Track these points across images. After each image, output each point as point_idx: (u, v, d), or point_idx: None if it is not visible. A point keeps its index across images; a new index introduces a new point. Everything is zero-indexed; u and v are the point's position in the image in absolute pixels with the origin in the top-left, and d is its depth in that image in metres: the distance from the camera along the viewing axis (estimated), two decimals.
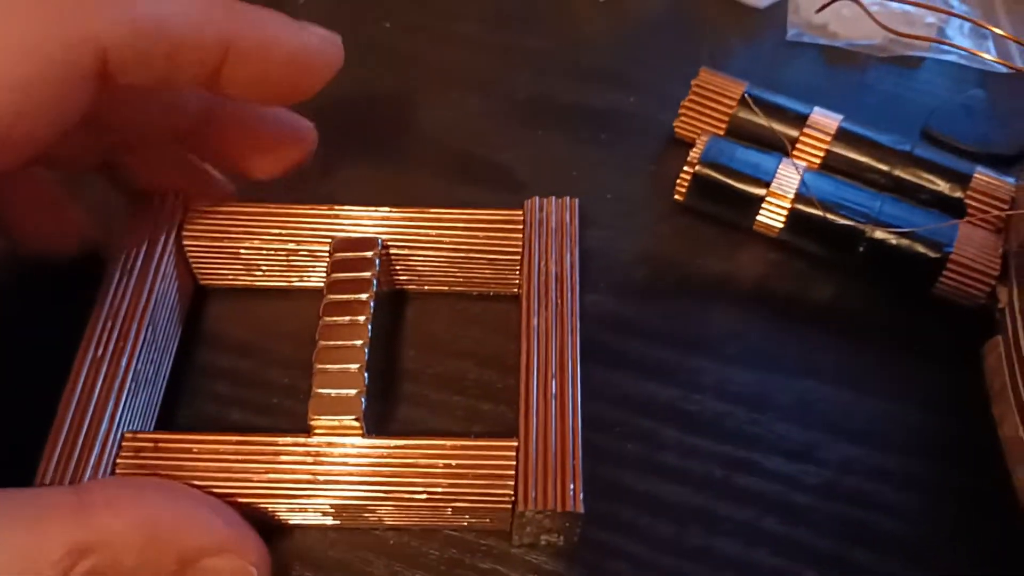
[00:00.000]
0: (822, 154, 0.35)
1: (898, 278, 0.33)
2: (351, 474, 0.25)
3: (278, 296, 0.32)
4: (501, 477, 0.25)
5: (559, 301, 0.29)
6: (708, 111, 0.36)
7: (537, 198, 0.31)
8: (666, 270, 0.34)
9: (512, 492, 0.25)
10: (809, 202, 0.33)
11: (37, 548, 0.20)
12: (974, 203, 0.33)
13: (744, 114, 0.36)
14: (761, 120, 0.35)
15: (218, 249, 0.30)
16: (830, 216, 0.33)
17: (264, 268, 0.31)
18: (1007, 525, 0.28)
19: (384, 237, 0.30)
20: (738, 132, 0.36)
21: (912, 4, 0.37)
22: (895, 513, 0.28)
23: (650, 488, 0.28)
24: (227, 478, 0.25)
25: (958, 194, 0.34)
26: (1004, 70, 0.39)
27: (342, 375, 0.26)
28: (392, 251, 0.30)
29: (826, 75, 0.40)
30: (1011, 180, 0.34)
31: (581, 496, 0.25)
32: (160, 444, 0.26)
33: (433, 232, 0.30)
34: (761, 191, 0.33)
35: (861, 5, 0.33)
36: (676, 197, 0.35)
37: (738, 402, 0.31)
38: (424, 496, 0.25)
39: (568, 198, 0.31)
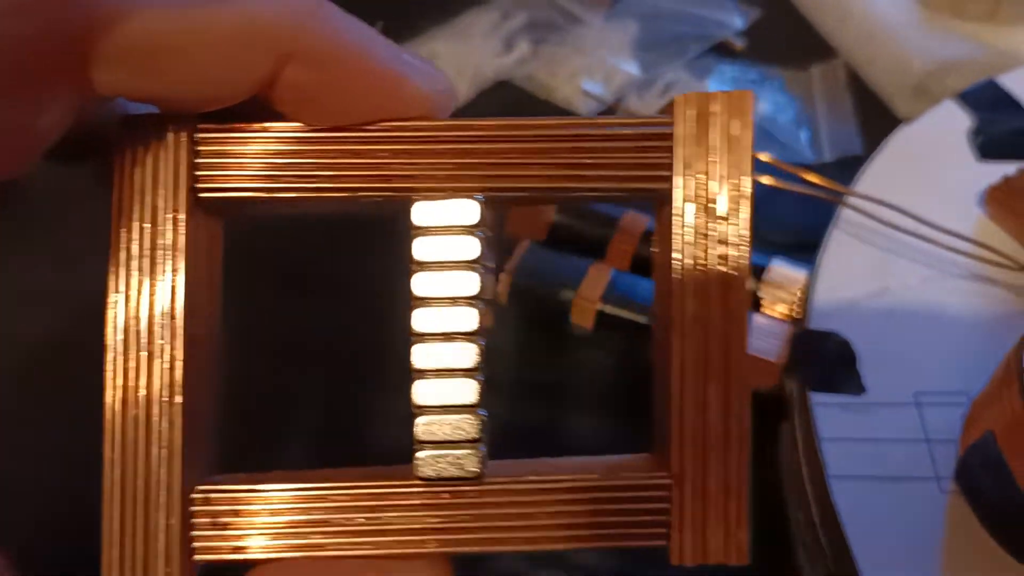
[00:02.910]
0: (631, 255, 0.38)
1: None
2: (469, 522, 0.20)
3: None
4: (652, 524, 0.19)
5: (724, 274, 0.19)
6: (533, 216, 0.39)
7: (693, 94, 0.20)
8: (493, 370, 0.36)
9: (663, 541, 0.20)
10: (615, 302, 0.36)
11: None
12: (767, 295, 0.36)
13: (561, 220, 0.39)
14: (576, 224, 0.38)
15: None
16: (635, 316, 0.35)
17: None
18: None
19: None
20: (558, 234, 0.39)
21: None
22: None
23: None
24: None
25: (755, 286, 0.36)
26: (812, 160, 0.43)
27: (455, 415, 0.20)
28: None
29: None
30: (805, 270, 0.36)
31: (748, 546, 0.19)
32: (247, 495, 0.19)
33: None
34: (570, 292, 0.36)
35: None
36: (500, 301, 0.38)
37: None
38: (562, 547, 0.20)
39: (738, 91, 0.20)
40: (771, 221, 0.40)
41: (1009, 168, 0.36)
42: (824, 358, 0.32)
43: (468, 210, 0.19)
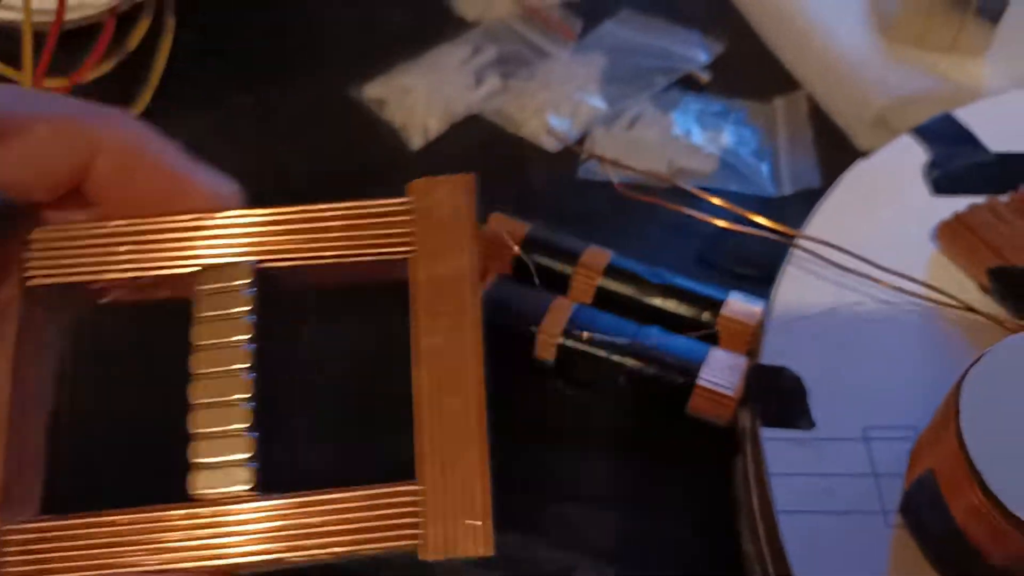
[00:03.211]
0: (593, 289, 0.38)
1: (659, 401, 0.36)
2: (247, 542, 0.22)
3: None
4: (403, 527, 0.22)
5: (455, 310, 0.24)
6: (497, 253, 0.40)
7: (426, 179, 0.26)
8: None
9: (416, 540, 0.22)
10: (577, 337, 0.36)
11: None
12: (724, 329, 0.37)
13: (526, 253, 0.39)
14: (540, 261, 0.39)
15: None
16: (594, 350, 0.36)
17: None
18: None
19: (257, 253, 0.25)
20: (523, 270, 0.39)
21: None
22: None
23: None
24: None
25: (711, 321, 0.37)
26: (773, 194, 0.43)
27: (225, 439, 0.23)
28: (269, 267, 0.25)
29: (614, 209, 0.43)
30: (761, 303, 0.37)
31: (492, 537, 0.22)
32: (52, 534, 0.22)
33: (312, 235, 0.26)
34: (533, 327, 0.37)
35: (603, 160, 0.37)
36: None
37: (507, 530, 0.33)
38: (328, 555, 0.23)
39: (461, 175, 0.26)
40: (736, 255, 0.41)
41: (961, 203, 0.37)
42: (776, 393, 0.33)
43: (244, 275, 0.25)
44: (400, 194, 0.27)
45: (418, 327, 0.24)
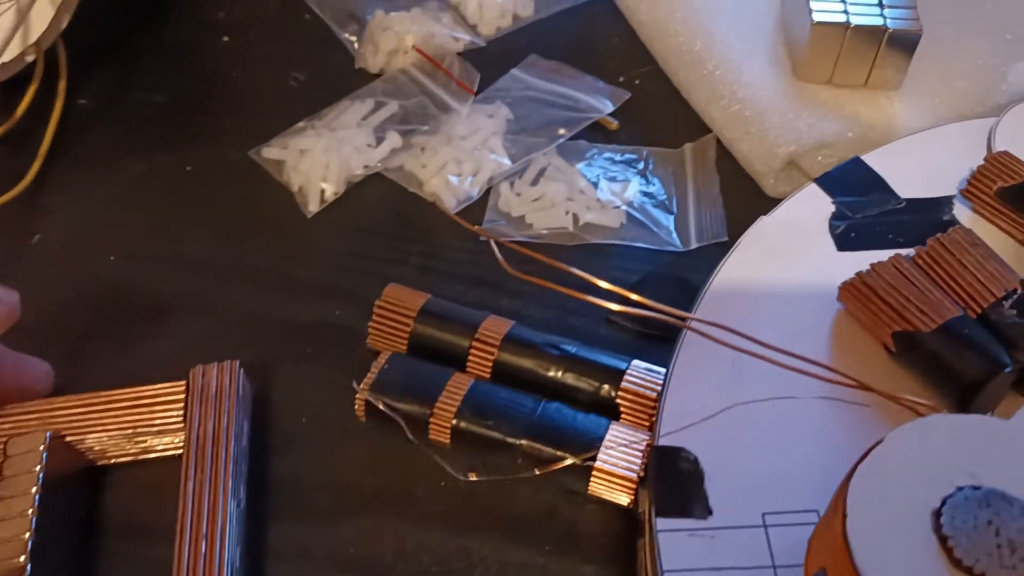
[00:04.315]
0: (491, 363, 0.37)
1: (559, 483, 0.34)
2: None
3: None
4: None
5: (214, 461, 0.33)
6: (393, 326, 0.38)
7: (201, 366, 0.36)
8: (349, 493, 0.35)
9: None
10: (472, 417, 0.35)
11: None
12: (626, 402, 0.35)
13: (422, 328, 0.38)
14: (436, 334, 0.37)
15: None
16: (489, 432, 0.35)
17: None
18: None
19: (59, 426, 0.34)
20: (419, 345, 0.38)
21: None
22: None
23: None
24: None
25: (612, 393, 0.35)
26: (680, 248, 0.42)
27: None
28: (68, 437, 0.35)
29: (522, 269, 0.42)
30: (662, 372, 0.36)
31: None
32: None
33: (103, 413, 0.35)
34: (427, 410, 0.35)
35: (499, 242, 0.35)
36: (357, 414, 0.36)
37: None
38: None
39: (229, 362, 0.36)
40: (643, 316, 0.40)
41: (864, 261, 0.35)
42: (673, 477, 0.31)
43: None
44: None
45: (185, 474, 0.33)
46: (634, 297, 0.31)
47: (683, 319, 0.32)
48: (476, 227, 0.37)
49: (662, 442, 0.32)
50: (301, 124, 0.47)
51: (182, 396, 0.35)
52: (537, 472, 0.34)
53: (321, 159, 0.44)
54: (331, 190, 0.44)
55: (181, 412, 0.35)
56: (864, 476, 0.26)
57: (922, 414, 0.30)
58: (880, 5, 0.44)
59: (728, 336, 0.31)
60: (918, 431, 0.27)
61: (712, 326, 0.31)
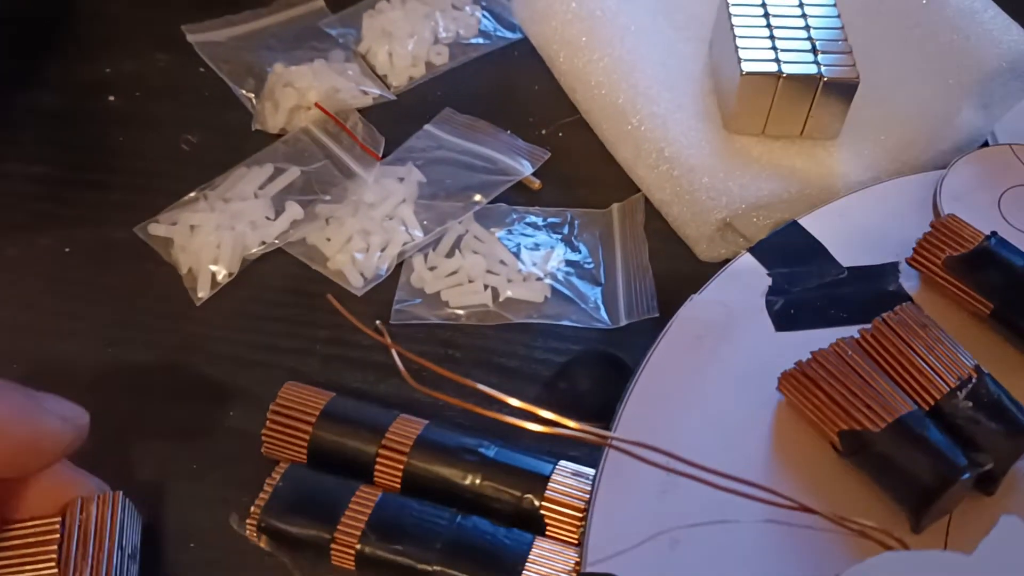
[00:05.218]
0: (400, 471, 0.33)
1: None
2: None
3: None
4: None
5: None
6: (291, 432, 0.34)
7: (80, 497, 0.30)
8: None
9: None
10: (378, 541, 0.31)
11: None
12: (551, 514, 0.32)
13: (323, 433, 0.34)
14: (339, 440, 0.33)
15: None
16: (397, 557, 0.31)
17: None
18: None
19: None
20: (321, 453, 0.34)
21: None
22: None
23: None
24: None
25: (536, 503, 0.32)
26: (609, 325, 0.38)
27: None
28: None
29: (436, 357, 0.38)
30: (591, 475, 0.32)
31: None
32: None
33: None
34: (327, 533, 0.31)
35: (399, 351, 0.31)
36: (250, 538, 0.32)
37: None
38: None
39: (111, 492, 0.31)
40: (572, 401, 0.37)
41: (805, 341, 0.32)
42: None
43: None
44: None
45: None
46: (548, 416, 0.27)
47: (605, 437, 0.29)
48: (376, 324, 0.33)
49: (589, 569, 0.29)
50: (193, 195, 0.42)
51: (56, 536, 0.29)
52: None
53: (212, 237, 0.40)
54: (224, 272, 0.40)
55: (54, 556, 0.29)
56: None
57: (871, 537, 0.27)
58: (814, 51, 0.41)
59: (657, 455, 0.28)
60: (873, 572, 0.23)
61: (637, 446, 0.28)
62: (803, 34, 0.42)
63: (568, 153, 0.45)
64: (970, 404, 0.30)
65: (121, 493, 0.31)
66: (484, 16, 0.52)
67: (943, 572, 0.23)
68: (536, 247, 0.41)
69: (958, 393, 0.30)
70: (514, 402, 0.29)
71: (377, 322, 0.33)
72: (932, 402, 0.30)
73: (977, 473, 0.29)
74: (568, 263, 0.40)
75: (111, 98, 0.48)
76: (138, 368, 0.38)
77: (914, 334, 0.31)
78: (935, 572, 0.23)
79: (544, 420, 0.28)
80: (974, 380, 0.30)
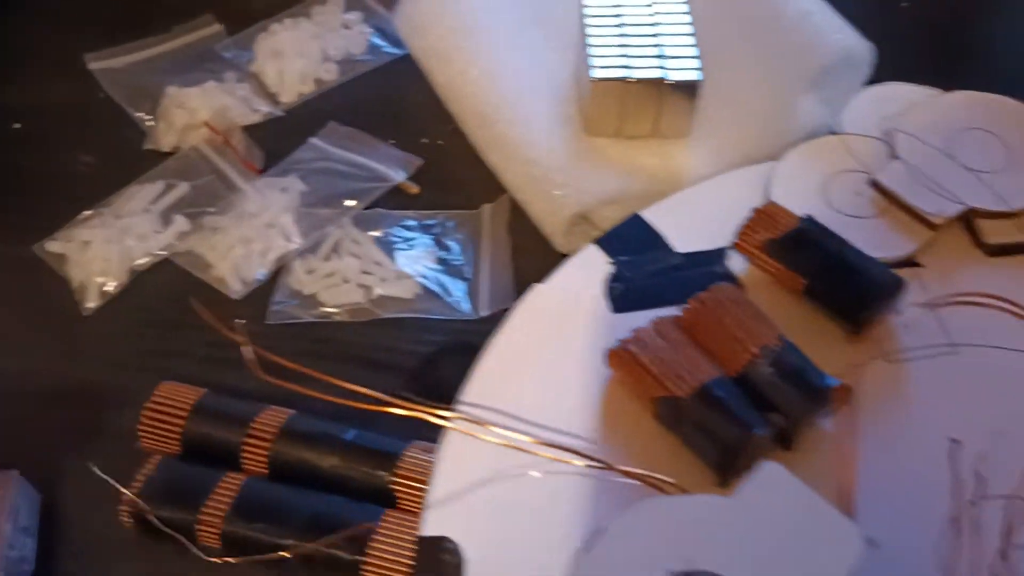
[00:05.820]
0: (266, 457, 0.36)
1: None
2: None
3: None
4: None
5: None
6: (164, 426, 0.37)
7: None
8: None
9: None
10: (239, 521, 0.34)
11: None
12: (401, 489, 0.35)
13: (194, 426, 0.36)
14: (209, 432, 0.36)
15: None
16: (258, 534, 0.33)
17: None
18: None
19: None
20: (193, 444, 0.36)
21: None
22: None
23: None
24: None
25: (387, 479, 0.35)
26: (472, 316, 0.41)
27: None
28: None
29: (309, 353, 0.41)
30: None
31: None
32: None
33: None
34: (192, 516, 0.34)
35: (256, 351, 0.34)
36: (126, 526, 0.35)
37: None
38: None
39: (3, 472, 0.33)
40: (434, 388, 0.39)
41: (639, 322, 0.35)
42: (434, 567, 0.31)
43: None
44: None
45: None
46: (388, 398, 0.30)
47: (444, 418, 0.32)
48: (234, 323, 0.36)
49: (427, 532, 0.31)
50: (88, 213, 0.45)
51: None
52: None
53: (101, 251, 0.43)
54: (112, 283, 0.42)
55: None
56: (584, 567, 0.25)
57: (652, 483, 0.30)
58: (660, 56, 0.44)
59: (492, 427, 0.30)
60: (638, 516, 0.26)
61: (472, 423, 0.31)
62: (652, 40, 0.45)
63: (446, 159, 0.48)
64: (772, 370, 0.33)
65: (16, 472, 0.34)
66: (373, 34, 0.55)
67: (705, 511, 0.26)
68: (410, 247, 0.44)
69: (761, 360, 0.33)
70: (350, 387, 0.31)
71: (235, 321, 0.35)
72: (739, 369, 0.33)
73: (772, 432, 0.31)
74: (439, 261, 0.43)
75: (16, 125, 0.51)
76: (28, 373, 0.40)
77: (725, 311, 0.34)
78: (697, 511, 0.26)
79: (386, 402, 0.31)
80: (777, 349, 0.33)
